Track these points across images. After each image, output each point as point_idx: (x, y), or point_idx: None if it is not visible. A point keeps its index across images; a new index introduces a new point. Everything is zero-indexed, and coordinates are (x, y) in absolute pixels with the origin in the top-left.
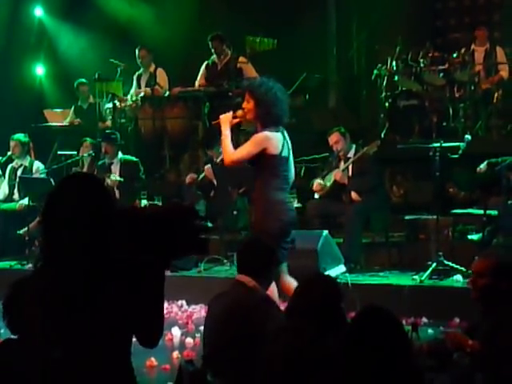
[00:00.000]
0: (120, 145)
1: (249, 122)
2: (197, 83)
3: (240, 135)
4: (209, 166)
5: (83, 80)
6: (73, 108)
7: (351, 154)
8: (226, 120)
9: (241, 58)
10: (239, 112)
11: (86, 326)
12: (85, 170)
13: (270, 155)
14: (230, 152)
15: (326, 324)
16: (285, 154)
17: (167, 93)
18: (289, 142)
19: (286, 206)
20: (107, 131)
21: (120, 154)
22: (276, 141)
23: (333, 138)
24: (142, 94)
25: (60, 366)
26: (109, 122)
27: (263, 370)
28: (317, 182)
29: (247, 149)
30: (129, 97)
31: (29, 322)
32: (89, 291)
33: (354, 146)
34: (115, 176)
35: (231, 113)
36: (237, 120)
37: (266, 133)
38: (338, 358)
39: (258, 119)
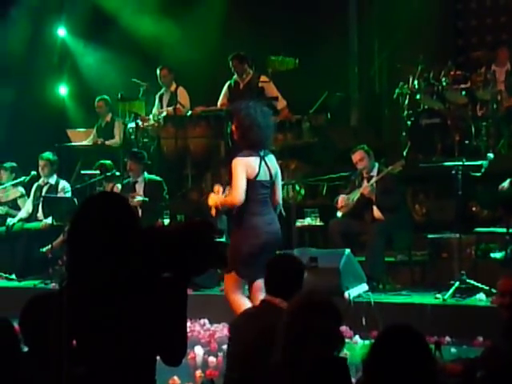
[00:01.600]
0: (146, 164)
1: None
2: (219, 103)
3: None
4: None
5: (100, 96)
6: (95, 127)
7: (374, 172)
8: (214, 201)
9: (262, 77)
10: (215, 187)
11: (111, 343)
12: (108, 188)
13: (247, 179)
14: (230, 197)
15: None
16: (261, 178)
17: (189, 112)
18: (272, 167)
19: (260, 230)
20: (134, 149)
21: (145, 174)
22: (248, 165)
23: (356, 156)
24: (164, 114)
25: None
26: (115, 140)
27: None
28: (342, 197)
29: (235, 181)
30: (151, 116)
31: (52, 339)
32: (113, 309)
33: (376, 165)
34: (140, 197)
35: (212, 193)
36: (220, 191)
37: (237, 159)
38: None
39: (239, 142)
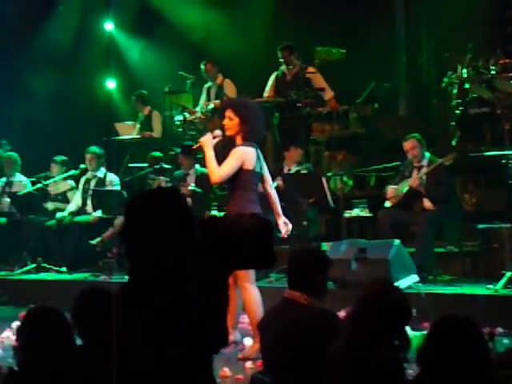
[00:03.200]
0: (197, 158)
1: (228, 139)
2: (265, 94)
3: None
4: (279, 177)
5: (136, 92)
6: (138, 122)
7: (425, 162)
8: (207, 142)
9: (310, 69)
10: (216, 132)
11: (173, 336)
12: (155, 183)
13: (245, 170)
14: (216, 170)
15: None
16: (258, 169)
17: None
18: (262, 159)
19: None
20: (185, 143)
21: (197, 166)
22: (251, 156)
23: (408, 144)
24: (211, 106)
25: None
26: (155, 133)
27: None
28: (391, 188)
29: (230, 164)
30: (198, 108)
31: (108, 331)
32: (172, 302)
33: (427, 155)
34: (193, 186)
35: (210, 134)
36: (217, 140)
37: (244, 148)
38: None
39: (241, 135)
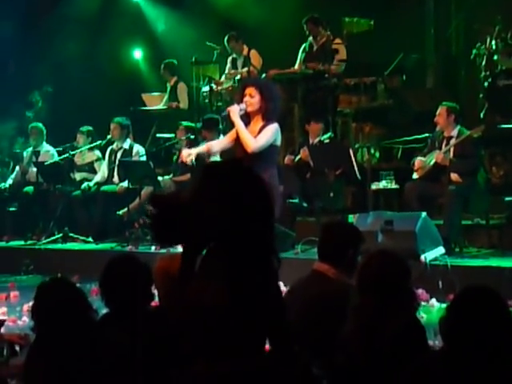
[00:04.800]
0: (220, 129)
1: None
2: (296, 67)
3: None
4: (305, 148)
5: (166, 60)
6: (167, 92)
7: (454, 133)
8: (235, 112)
9: (337, 40)
10: (241, 105)
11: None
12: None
13: (275, 146)
14: (252, 139)
15: (391, 300)
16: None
17: (263, 75)
18: None
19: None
20: (206, 117)
21: (221, 137)
22: (279, 134)
23: (438, 111)
24: (238, 77)
25: None
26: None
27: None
28: (418, 159)
29: (267, 137)
30: (223, 78)
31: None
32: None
33: (458, 126)
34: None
35: (236, 105)
36: (242, 112)
37: (277, 125)
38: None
39: (265, 113)
